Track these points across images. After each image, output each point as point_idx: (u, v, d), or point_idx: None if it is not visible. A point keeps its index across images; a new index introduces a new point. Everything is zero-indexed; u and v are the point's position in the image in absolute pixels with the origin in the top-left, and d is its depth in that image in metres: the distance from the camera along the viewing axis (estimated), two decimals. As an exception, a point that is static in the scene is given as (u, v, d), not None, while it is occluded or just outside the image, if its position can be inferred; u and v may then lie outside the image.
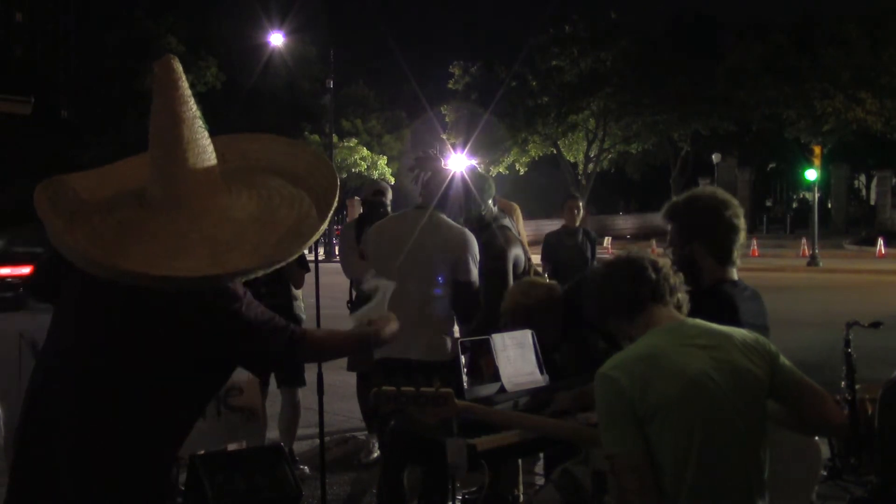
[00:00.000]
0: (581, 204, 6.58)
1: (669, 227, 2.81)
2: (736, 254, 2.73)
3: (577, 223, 6.44)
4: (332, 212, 1.93)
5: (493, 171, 33.66)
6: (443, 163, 3.87)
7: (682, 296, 2.32)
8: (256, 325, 1.97)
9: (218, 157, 1.94)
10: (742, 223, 2.74)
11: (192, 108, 1.87)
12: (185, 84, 1.85)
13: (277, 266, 1.85)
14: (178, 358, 1.91)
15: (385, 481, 3.67)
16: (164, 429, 1.96)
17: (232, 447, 4.47)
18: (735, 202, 2.77)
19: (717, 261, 2.72)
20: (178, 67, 1.85)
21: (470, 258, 3.57)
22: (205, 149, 1.89)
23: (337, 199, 1.97)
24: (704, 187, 2.92)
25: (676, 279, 2.32)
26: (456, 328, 3.67)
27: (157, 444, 1.95)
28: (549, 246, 6.38)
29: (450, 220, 3.67)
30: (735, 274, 2.77)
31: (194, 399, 2.04)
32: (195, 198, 1.86)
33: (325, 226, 1.92)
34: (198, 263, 1.77)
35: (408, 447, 3.31)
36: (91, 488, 1.87)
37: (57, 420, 1.90)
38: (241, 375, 3.24)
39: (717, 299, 2.66)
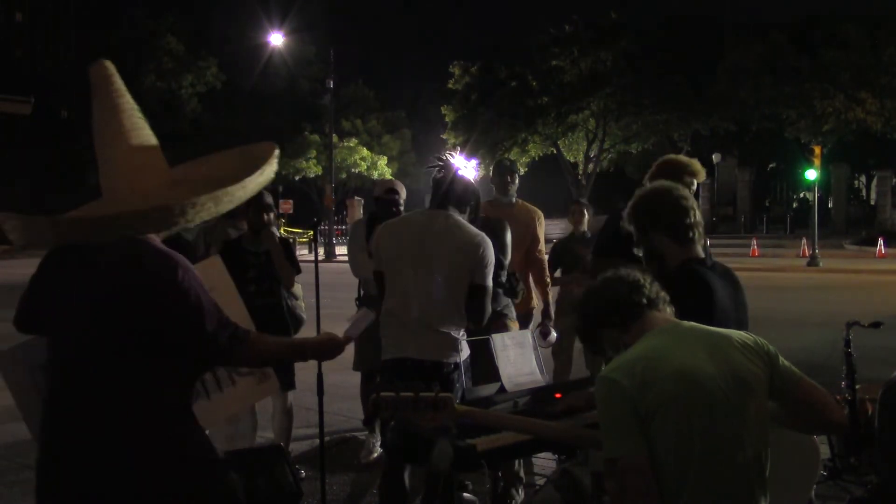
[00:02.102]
0: (586, 209, 6.48)
1: (632, 229, 2.90)
2: (692, 232, 2.76)
3: (585, 228, 6.36)
4: (269, 163, 2.10)
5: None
6: (455, 167, 3.85)
7: (672, 309, 2.34)
8: (204, 305, 2.11)
9: (165, 170, 2.13)
10: (690, 203, 2.80)
11: (130, 101, 2.04)
12: (119, 80, 2.04)
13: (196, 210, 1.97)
14: (145, 335, 2.05)
15: (387, 481, 3.67)
16: (163, 406, 2.09)
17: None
18: (679, 187, 2.88)
19: (674, 242, 2.76)
20: (111, 66, 2.05)
21: (488, 262, 3.54)
22: (146, 138, 2.07)
23: (272, 155, 2.14)
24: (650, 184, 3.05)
25: (666, 293, 2.35)
26: (462, 327, 3.63)
27: (166, 421, 2.09)
28: (556, 253, 6.33)
29: (466, 223, 3.64)
30: (700, 252, 2.80)
31: (176, 380, 2.15)
32: (140, 181, 2.04)
33: (264, 175, 2.07)
34: (138, 204, 1.96)
35: (410, 447, 3.31)
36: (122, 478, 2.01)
37: (77, 409, 2.05)
38: None
39: (686, 278, 2.68)
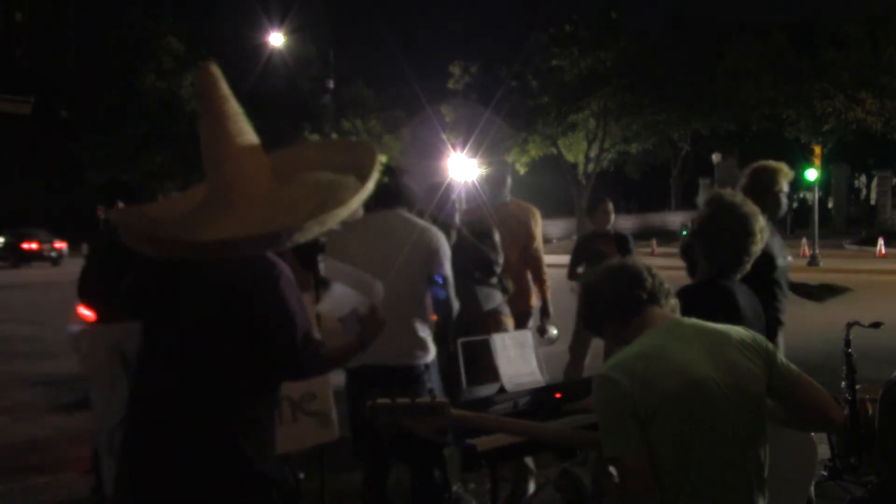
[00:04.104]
0: (611, 206, 6.37)
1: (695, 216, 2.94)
2: (736, 272, 2.80)
3: (609, 226, 6.31)
4: (371, 178, 2.10)
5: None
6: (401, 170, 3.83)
7: (675, 301, 2.34)
8: (297, 317, 2.17)
9: (269, 165, 2.14)
10: (755, 250, 2.78)
11: (234, 106, 2.07)
12: (224, 85, 2.07)
13: (322, 224, 2.01)
14: (239, 336, 2.11)
15: (368, 488, 3.64)
16: (241, 412, 2.14)
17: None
18: (758, 231, 2.78)
19: (710, 266, 2.83)
20: (217, 71, 2.08)
21: (442, 252, 3.50)
22: (251, 140, 2.09)
23: (375, 168, 2.14)
24: (745, 203, 2.85)
25: (670, 285, 2.35)
26: (425, 327, 3.57)
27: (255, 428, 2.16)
28: (579, 249, 6.33)
29: (415, 218, 3.58)
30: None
31: (259, 390, 2.20)
32: (248, 184, 2.05)
33: (365, 191, 2.08)
34: (249, 227, 1.97)
35: (397, 447, 3.30)
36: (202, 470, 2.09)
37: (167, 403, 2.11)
38: (314, 382, 3.47)
39: (713, 290, 2.73)
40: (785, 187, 4.12)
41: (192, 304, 2.13)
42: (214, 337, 2.10)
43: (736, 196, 2.89)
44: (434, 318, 3.75)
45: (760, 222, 2.81)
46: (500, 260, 4.49)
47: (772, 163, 4.21)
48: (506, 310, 4.67)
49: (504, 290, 4.62)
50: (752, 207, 2.83)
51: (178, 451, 2.09)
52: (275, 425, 2.26)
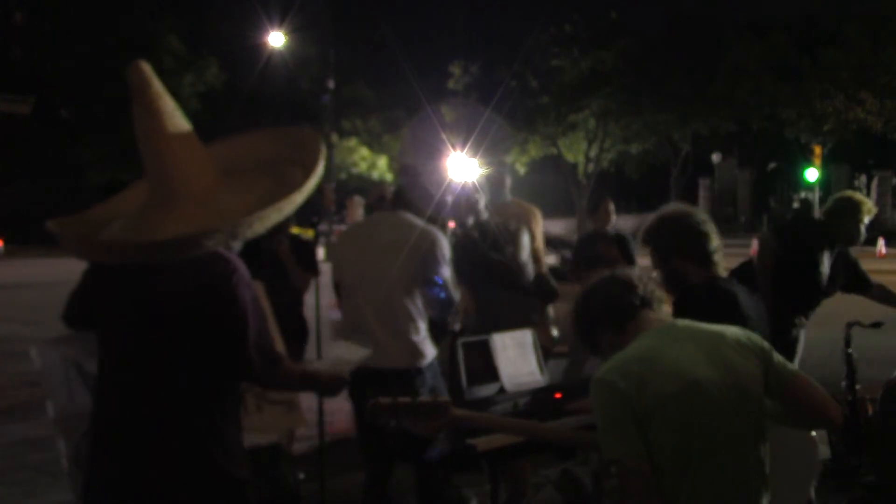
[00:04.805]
0: (613, 206, 6.37)
1: (650, 251, 2.97)
2: (715, 257, 2.86)
3: (609, 226, 6.30)
4: (316, 168, 2.04)
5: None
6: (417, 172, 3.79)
7: (668, 308, 2.35)
8: (249, 318, 2.10)
9: (212, 160, 2.08)
10: (710, 227, 2.89)
11: (170, 103, 1.98)
12: (157, 82, 1.98)
13: (266, 218, 1.95)
14: (197, 335, 2.06)
15: (369, 489, 3.64)
16: (202, 414, 2.10)
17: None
18: (697, 212, 2.95)
19: (698, 265, 2.84)
20: (148, 68, 1.97)
21: (440, 255, 3.46)
22: (190, 136, 2.02)
23: (320, 155, 2.09)
24: (668, 205, 3.08)
25: (660, 293, 2.38)
26: (422, 330, 3.52)
27: (220, 425, 2.11)
28: (579, 248, 6.35)
29: (415, 220, 3.54)
30: (722, 272, 2.89)
31: (216, 390, 2.14)
32: (191, 180, 1.99)
33: (316, 175, 2.04)
34: (202, 222, 1.90)
35: (402, 447, 3.30)
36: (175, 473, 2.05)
37: (133, 416, 2.08)
38: None
39: (714, 291, 2.76)
40: (866, 220, 4.56)
41: (147, 308, 2.06)
42: (171, 339, 2.05)
43: (669, 205, 3.07)
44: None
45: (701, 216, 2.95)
46: (524, 256, 4.38)
47: (858, 195, 4.64)
48: (543, 317, 4.53)
49: (547, 294, 4.49)
50: (691, 209, 2.99)
51: (146, 458, 2.05)
52: (239, 425, 2.21)
